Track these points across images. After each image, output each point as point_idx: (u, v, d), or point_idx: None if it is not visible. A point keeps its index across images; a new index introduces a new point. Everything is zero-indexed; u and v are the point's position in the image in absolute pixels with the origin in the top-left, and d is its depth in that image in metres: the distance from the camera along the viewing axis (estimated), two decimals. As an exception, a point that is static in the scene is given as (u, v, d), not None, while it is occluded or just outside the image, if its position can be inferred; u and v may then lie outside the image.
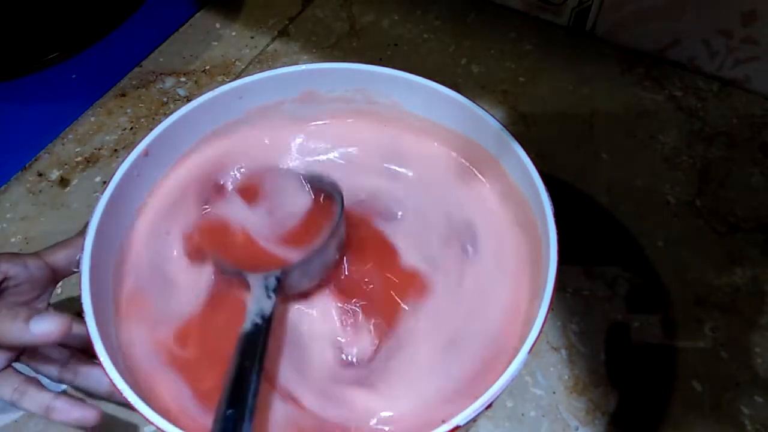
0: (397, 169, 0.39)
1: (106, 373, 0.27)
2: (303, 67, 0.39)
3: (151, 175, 0.36)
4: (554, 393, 0.37)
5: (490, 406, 0.27)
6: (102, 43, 0.57)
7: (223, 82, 0.53)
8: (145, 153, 0.35)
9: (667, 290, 0.41)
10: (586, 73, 0.52)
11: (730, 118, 0.49)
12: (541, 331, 0.27)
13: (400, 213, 0.37)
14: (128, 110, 0.52)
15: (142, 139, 0.34)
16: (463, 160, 0.39)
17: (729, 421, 0.36)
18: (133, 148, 0.34)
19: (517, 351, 0.27)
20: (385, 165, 0.39)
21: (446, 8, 0.58)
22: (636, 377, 0.38)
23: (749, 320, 0.39)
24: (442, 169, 0.38)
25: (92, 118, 0.51)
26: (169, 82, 0.54)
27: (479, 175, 0.38)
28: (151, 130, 0.35)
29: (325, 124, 0.41)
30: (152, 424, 0.26)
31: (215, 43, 0.57)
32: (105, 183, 0.46)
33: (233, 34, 0.57)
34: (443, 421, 0.26)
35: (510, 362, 0.27)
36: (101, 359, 0.27)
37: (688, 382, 0.37)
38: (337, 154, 0.40)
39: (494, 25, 0.57)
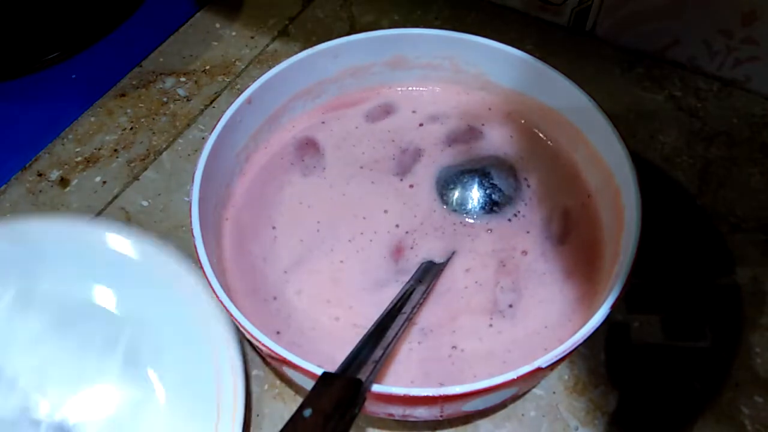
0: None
1: (215, 292, 0.31)
2: (396, 31, 0.41)
3: (251, 122, 0.40)
4: (554, 393, 0.37)
5: (567, 356, 0.29)
6: (102, 43, 0.57)
7: (223, 83, 0.53)
8: (248, 101, 0.38)
9: (667, 290, 0.41)
10: (586, 73, 0.52)
11: (730, 118, 0.49)
12: (625, 286, 0.30)
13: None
14: (128, 110, 0.52)
15: (244, 89, 0.39)
16: (541, 134, 0.42)
17: (729, 421, 0.36)
18: (237, 97, 0.38)
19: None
20: (470, 126, 0.42)
21: (446, 8, 0.58)
22: (636, 377, 0.38)
23: (749, 320, 0.39)
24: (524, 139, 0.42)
25: (92, 118, 0.51)
26: (169, 82, 0.54)
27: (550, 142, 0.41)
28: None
29: (410, 90, 0.44)
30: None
31: (215, 43, 0.57)
32: (105, 182, 0.47)
33: (233, 34, 0.57)
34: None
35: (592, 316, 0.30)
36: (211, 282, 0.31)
37: (688, 382, 0.37)
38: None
39: (494, 25, 0.57)
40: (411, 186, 0.40)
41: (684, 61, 0.52)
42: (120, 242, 0.38)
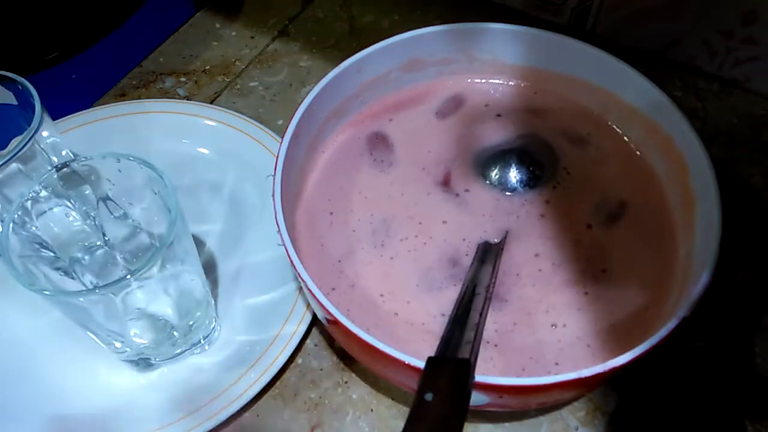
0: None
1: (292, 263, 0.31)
2: (411, 33, 0.41)
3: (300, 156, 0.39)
4: (554, 393, 0.37)
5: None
6: (102, 43, 0.57)
7: (223, 83, 0.53)
8: (296, 135, 0.37)
9: (667, 290, 0.41)
10: (586, 73, 0.52)
11: (730, 118, 0.49)
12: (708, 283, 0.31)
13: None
14: (128, 110, 0.52)
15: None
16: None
17: (729, 421, 0.36)
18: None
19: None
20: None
21: (446, 8, 0.58)
22: (636, 377, 0.38)
23: (749, 320, 0.39)
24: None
25: (92, 118, 0.51)
26: (169, 82, 0.54)
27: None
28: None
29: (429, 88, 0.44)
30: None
31: (215, 43, 0.57)
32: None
33: (233, 34, 0.57)
34: None
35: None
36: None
37: (688, 382, 0.37)
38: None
39: (494, 25, 0.57)
40: (467, 190, 0.39)
41: (684, 61, 0.52)
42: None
